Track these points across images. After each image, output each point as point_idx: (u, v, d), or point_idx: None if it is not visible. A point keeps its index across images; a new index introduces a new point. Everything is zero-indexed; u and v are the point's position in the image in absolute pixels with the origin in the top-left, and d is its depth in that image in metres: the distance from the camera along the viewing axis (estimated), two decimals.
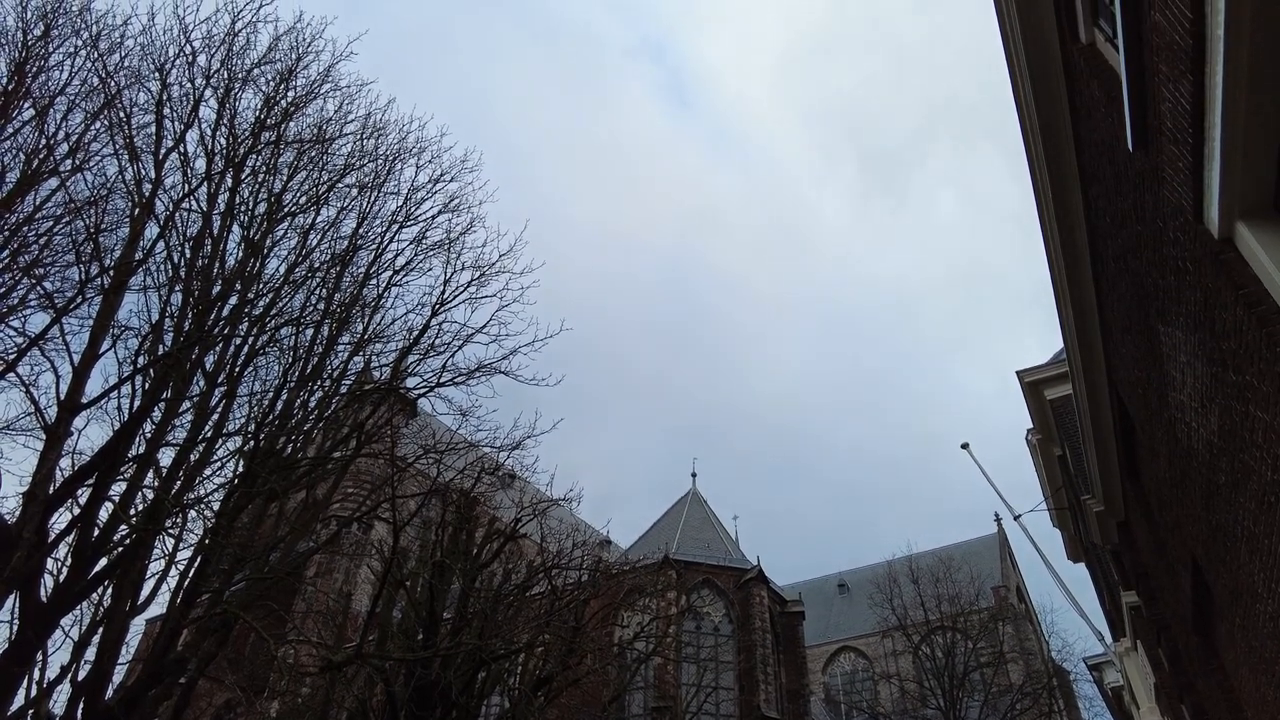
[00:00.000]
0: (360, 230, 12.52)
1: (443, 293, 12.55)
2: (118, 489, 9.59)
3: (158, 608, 10.81)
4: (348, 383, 12.41)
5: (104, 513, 9.31)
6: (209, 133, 11.18)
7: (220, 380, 10.60)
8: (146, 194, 10.46)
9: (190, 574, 9.94)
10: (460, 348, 12.43)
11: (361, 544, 33.27)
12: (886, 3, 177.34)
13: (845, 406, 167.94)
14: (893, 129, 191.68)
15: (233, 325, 10.71)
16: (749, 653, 31.88)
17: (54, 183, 10.42)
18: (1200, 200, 3.40)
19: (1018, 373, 13.60)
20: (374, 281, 12.54)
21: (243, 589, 11.00)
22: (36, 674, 9.02)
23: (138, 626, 12.08)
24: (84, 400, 9.57)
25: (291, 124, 11.82)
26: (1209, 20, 2.79)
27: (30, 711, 8.81)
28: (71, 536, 9.17)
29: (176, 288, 10.46)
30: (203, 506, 10.17)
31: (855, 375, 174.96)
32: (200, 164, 11.10)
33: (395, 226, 12.73)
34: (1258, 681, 5.44)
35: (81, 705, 8.78)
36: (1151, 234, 4.41)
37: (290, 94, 11.72)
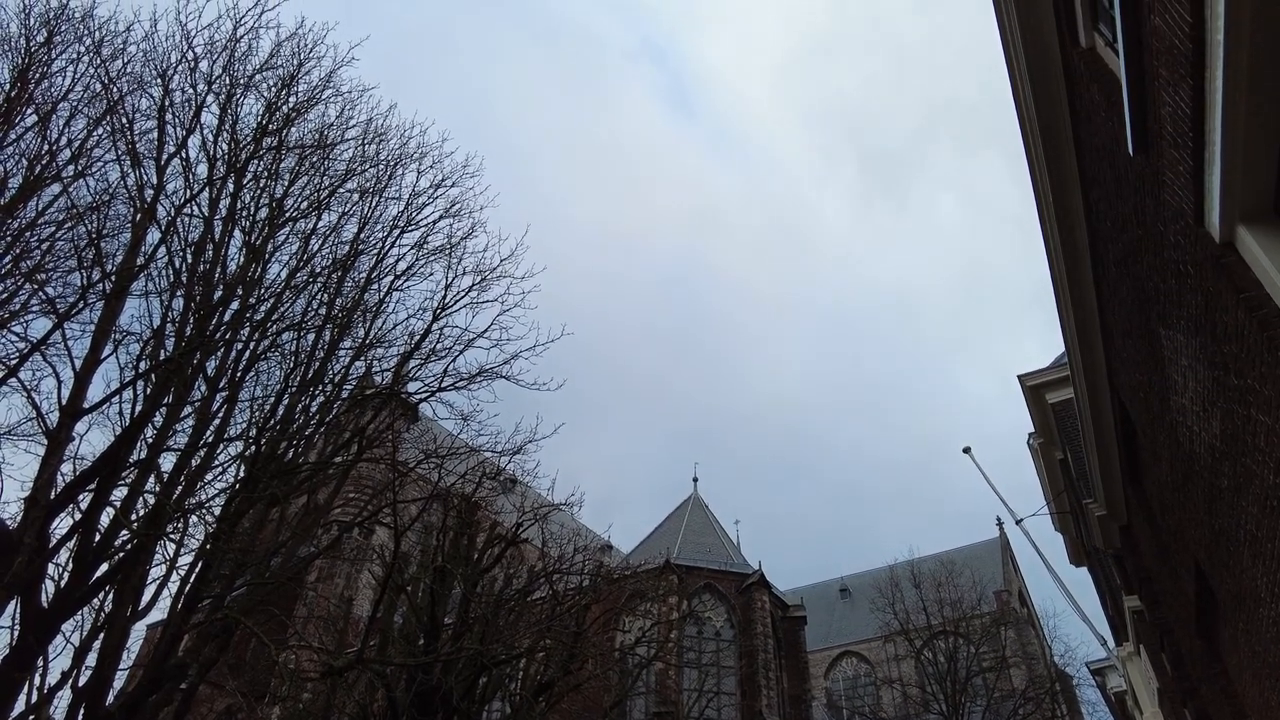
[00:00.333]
0: (361, 235, 12.58)
1: (444, 297, 12.60)
2: (119, 494, 9.61)
3: (159, 613, 10.79)
4: (349, 388, 12.43)
5: (105, 518, 9.32)
6: (211, 138, 11.24)
7: (222, 385, 10.62)
8: (148, 199, 10.50)
9: (191, 579, 9.95)
10: (461, 352, 12.48)
11: (363, 549, 33.21)
12: (887, 3, 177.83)
13: (846, 407, 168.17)
14: (893, 130, 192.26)
15: (234, 330, 10.73)
16: (750, 658, 31.80)
17: (56, 188, 10.48)
18: (1201, 204, 3.40)
19: (1019, 376, 13.60)
20: (375, 286, 12.58)
21: (244, 594, 11.00)
22: (37, 680, 9.01)
23: (139, 632, 12.07)
24: (86, 405, 9.58)
25: (293, 129, 11.89)
26: (1209, 24, 2.79)
27: (31, 717, 8.79)
28: (73, 542, 9.17)
29: (178, 293, 10.48)
30: (204, 512, 10.19)
31: (856, 376, 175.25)
32: (202, 169, 11.16)
33: (396, 231, 12.78)
34: (1261, 686, 5.42)
35: (82, 711, 8.76)
36: (1152, 238, 4.41)
37: (292, 99, 11.79)
